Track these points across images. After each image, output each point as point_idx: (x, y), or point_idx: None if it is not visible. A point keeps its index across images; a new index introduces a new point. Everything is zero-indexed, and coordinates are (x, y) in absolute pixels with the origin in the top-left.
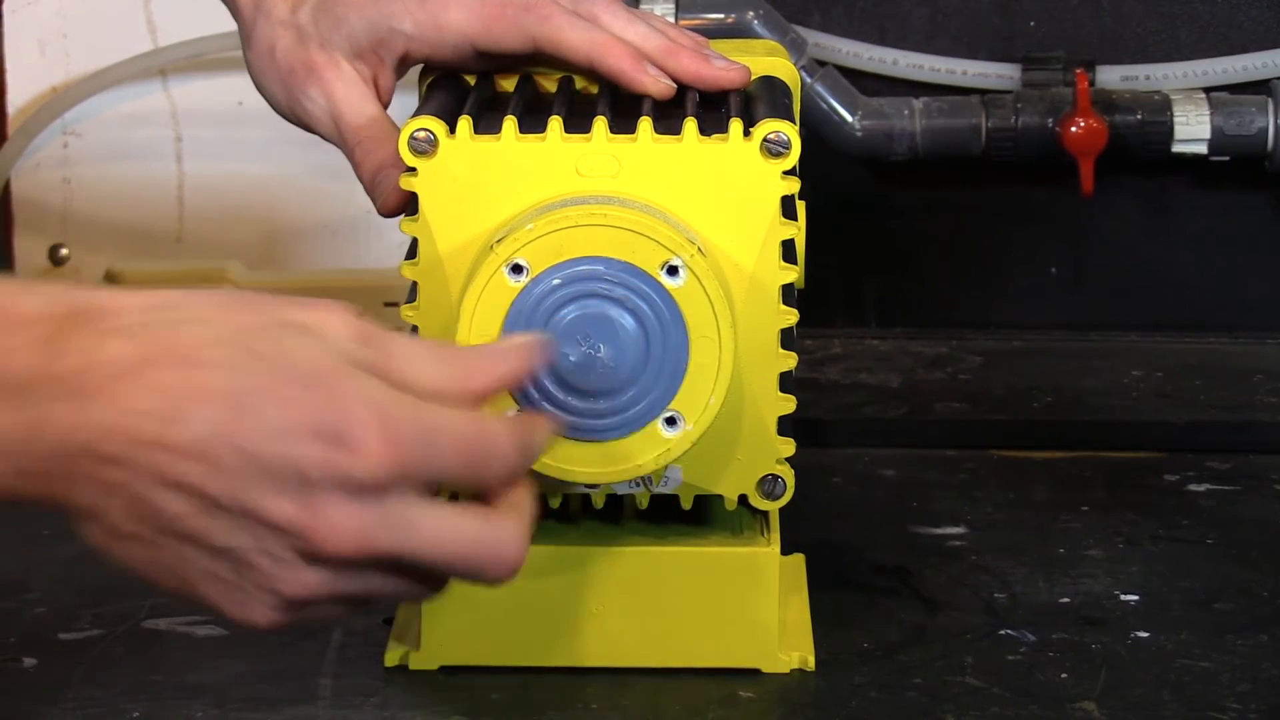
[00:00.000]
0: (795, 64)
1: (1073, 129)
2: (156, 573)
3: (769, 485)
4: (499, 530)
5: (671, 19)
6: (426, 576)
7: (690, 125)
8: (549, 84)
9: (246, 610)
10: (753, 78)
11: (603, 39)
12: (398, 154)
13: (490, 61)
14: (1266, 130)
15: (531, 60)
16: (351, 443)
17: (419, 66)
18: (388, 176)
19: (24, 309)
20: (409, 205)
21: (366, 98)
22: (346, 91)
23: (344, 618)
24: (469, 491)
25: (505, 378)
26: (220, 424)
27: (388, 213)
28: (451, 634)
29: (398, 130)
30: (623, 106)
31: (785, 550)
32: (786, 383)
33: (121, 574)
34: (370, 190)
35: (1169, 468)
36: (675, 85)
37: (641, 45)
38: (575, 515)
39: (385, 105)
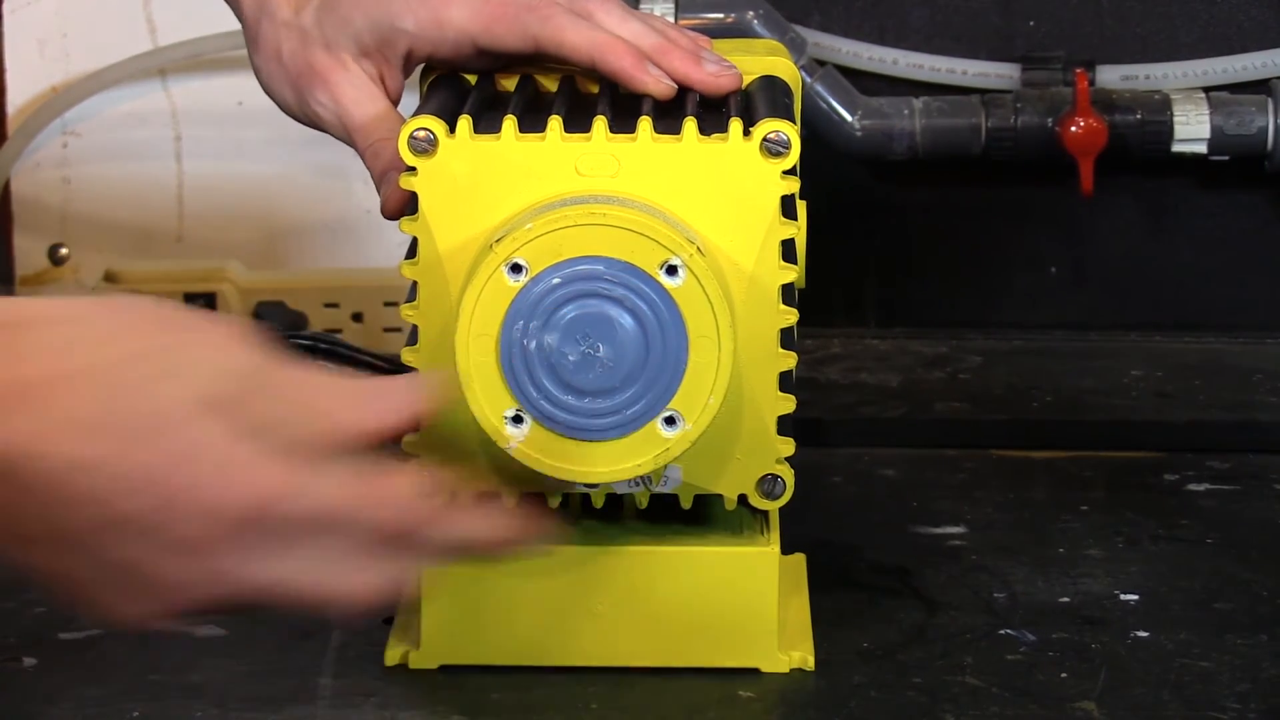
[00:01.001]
0: (795, 63)
1: (1072, 128)
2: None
3: (769, 485)
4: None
5: (671, 19)
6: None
7: (690, 125)
8: (549, 83)
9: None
10: (753, 77)
11: (605, 38)
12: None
13: (492, 60)
14: (1266, 130)
15: (532, 60)
16: (177, 506)
17: (420, 67)
18: (389, 179)
19: None
20: (409, 205)
21: (375, 97)
22: (355, 93)
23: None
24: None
25: (399, 419)
26: (77, 461)
27: (389, 215)
28: (452, 633)
29: None
30: (622, 106)
31: (785, 550)
32: (786, 382)
33: None
34: (378, 191)
35: (1169, 467)
36: (676, 85)
37: (636, 44)
38: (575, 515)
39: (395, 103)
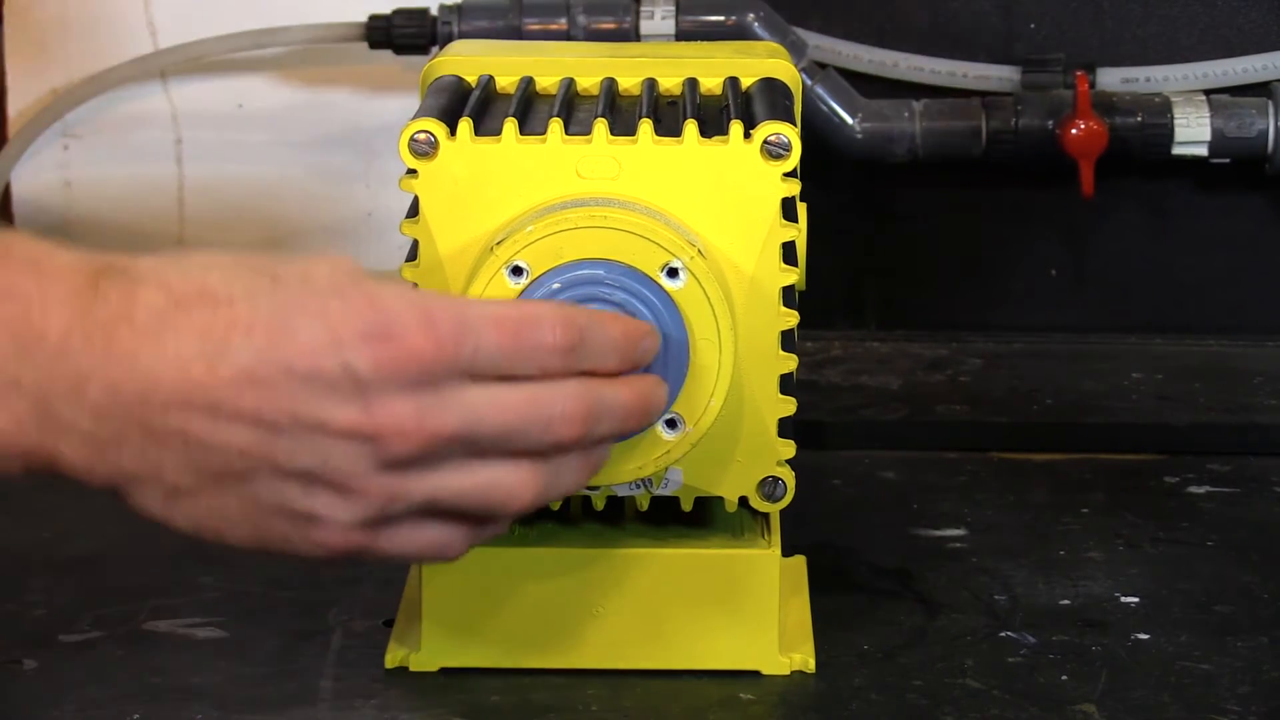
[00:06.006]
0: (796, 66)
1: (1073, 131)
2: (222, 525)
3: (769, 487)
4: (552, 387)
5: (672, 22)
6: (500, 459)
7: (691, 127)
8: (550, 85)
9: (321, 536)
10: (754, 80)
11: None
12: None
13: None
14: (1267, 133)
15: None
16: (397, 336)
17: (423, 65)
18: None
19: (60, 262)
20: (410, 207)
21: None
22: None
23: (426, 550)
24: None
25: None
26: (265, 348)
27: None
28: (452, 636)
29: None
30: (623, 109)
31: (786, 552)
32: (787, 385)
33: (124, 576)
34: None
35: (1169, 470)
36: None
37: None
38: (575, 517)
39: None
